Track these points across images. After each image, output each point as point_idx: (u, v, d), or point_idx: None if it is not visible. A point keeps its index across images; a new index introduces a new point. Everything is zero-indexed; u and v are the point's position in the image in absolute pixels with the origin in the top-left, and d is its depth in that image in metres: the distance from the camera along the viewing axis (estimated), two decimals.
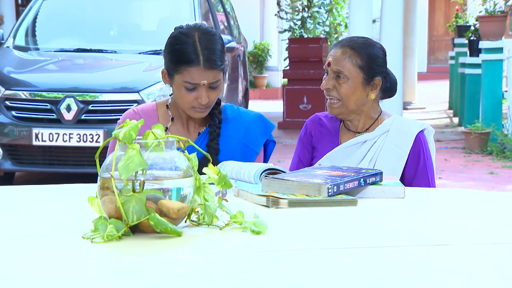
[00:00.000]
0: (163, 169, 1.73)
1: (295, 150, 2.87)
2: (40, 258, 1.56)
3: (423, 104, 14.78)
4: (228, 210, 1.80)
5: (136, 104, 6.51)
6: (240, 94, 8.62)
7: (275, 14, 13.65)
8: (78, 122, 6.48)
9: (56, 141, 6.47)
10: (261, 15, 17.92)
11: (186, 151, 1.78)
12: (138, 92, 6.54)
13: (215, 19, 8.24)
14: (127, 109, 6.49)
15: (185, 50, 2.48)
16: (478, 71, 10.25)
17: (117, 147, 1.71)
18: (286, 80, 13.04)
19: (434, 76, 21.92)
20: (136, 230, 1.70)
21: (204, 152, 1.80)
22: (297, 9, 14.39)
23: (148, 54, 7.14)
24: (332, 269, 1.50)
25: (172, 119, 2.66)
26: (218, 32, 2.58)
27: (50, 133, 6.47)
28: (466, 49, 12.18)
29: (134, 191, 1.68)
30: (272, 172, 2.27)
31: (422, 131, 2.70)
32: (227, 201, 1.83)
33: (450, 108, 14.04)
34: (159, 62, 6.99)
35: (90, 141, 6.45)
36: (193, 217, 1.81)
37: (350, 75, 2.67)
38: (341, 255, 1.60)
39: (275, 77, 17.83)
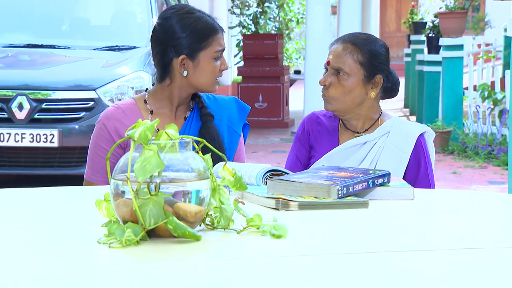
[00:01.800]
0: (179, 171, 1.72)
1: (291, 148, 2.87)
2: (59, 264, 1.54)
3: None
4: (245, 213, 1.79)
5: (93, 102, 6.45)
6: None
7: (229, 10, 13.65)
8: (31, 121, 6.39)
9: (7, 141, 6.37)
10: (210, 10, 17.89)
11: (200, 152, 1.77)
12: (94, 90, 6.47)
13: None
14: (83, 107, 6.46)
15: (206, 23, 2.67)
16: (437, 68, 10.39)
17: (132, 148, 1.69)
18: (238, 77, 13.03)
19: None
20: (152, 234, 1.69)
21: (219, 153, 1.79)
22: (247, 4, 14.40)
23: (103, 50, 7.08)
24: (359, 274, 1.51)
25: (151, 112, 2.74)
26: None
27: (1, 133, 6.37)
28: (423, 46, 12.35)
29: (150, 193, 1.67)
30: (274, 173, 2.27)
31: (422, 134, 2.72)
32: (243, 203, 1.82)
33: (406, 106, 14.21)
34: (116, 58, 6.98)
35: (43, 141, 6.37)
36: (207, 220, 1.80)
37: (351, 72, 2.67)
38: (366, 259, 1.60)
39: (225, 74, 17.81)
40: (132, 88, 6.60)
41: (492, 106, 9.19)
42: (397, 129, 2.72)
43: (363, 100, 2.71)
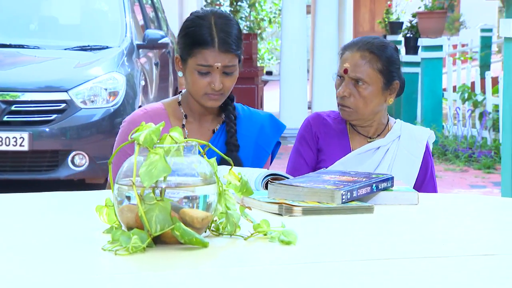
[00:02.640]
0: (184, 175, 1.71)
1: (295, 151, 2.81)
2: (64, 273, 1.53)
3: None
4: (252, 219, 1.79)
5: (64, 104, 6.41)
6: (171, 94, 8.58)
7: (201, 8, 13.66)
8: (0, 124, 6.33)
9: None
10: (180, 9, 17.87)
11: (205, 155, 1.77)
12: (66, 91, 6.43)
13: (144, 10, 8.18)
14: (54, 109, 6.41)
15: (200, 32, 2.55)
16: (415, 69, 10.45)
17: (137, 152, 1.68)
18: None
19: None
20: (157, 241, 1.68)
21: (226, 157, 1.79)
22: (218, 2, 14.39)
23: (75, 50, 7.04)
24: (372, 282, 1.52)
25: (186, 116, 2.68)
26: (235, 18, 2.63)
27: None
28: (399, 47, 12.40)
29: (156, 199, 1.66)
30: (274, 177, 2.27)
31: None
32: (250, 209, 1.82)
33: None
34: (88, 58, 6.94)
35: (13, 145, 6.31)
36: (212, 226, 1.80)
37: (371, 81, 2.66)
38: (378, 266, 1.61)
39: None
40: (106, 89, 6.56)
41: (472, 108, 9.26)
42: (406, 133, 2.75)
43: (381, 107, 2.72)
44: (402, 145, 2.73)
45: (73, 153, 6.39)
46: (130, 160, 1.70)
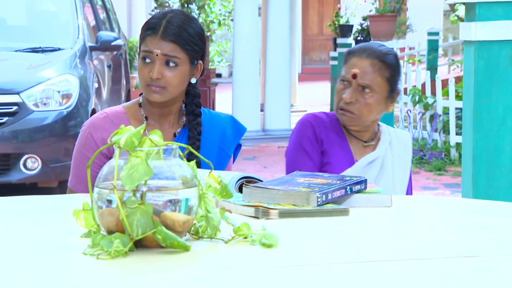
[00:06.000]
0: (164, 179, 1.70)
1: (299, 152, 2.75)
2: (45, 279, 1.51)
3: (304, 107, 15.05)
4: (233, 222, 1.79)
5: (16, 107, 6.33)
6: (123, 96, 8.52)
7: (152, 10, 13.58)
8: None
9: None
10: (128, 10, 17.78)
11: (184, 158, 1.76)
12: (18, 93, 6.35)
13: (96, 12, 8.11)
14: (5, 112, 6.32)
15: (151, 22, 2.59)
16: None
17: (118, 155, 1.66)
18: None
19: (310, 78, 22.33)
20: (138, 244, 1.67)
21: (207, 161, 1.78)
22: (167, 4, 14.32)
23: (25, 51, 6.95)
24: (355, 284, 1.52)
25: (146, 118, 2.66)
26: (198, 22, 2.61)
27: None
28: None
29: (138, 203, 1.65)
30: (248, 180, 2.26)
31: None
32: (231, 212, 1.82)
33: (332, 111, 14.33)
34: (40, 60, 6.86)
35: None
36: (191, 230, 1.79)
37: (379, 89, 2.68)
38: (359, 269, 1.62)
39: None
40: (59, 92, 6.49)
41: (423, 111, 9.36)
42: (394, 137, 2.80)
43: (381, 115, 2.74)
44: (394, 151, 2.77)
45: (25, 156, 6.30)
46: (110, 163, 1.68)
